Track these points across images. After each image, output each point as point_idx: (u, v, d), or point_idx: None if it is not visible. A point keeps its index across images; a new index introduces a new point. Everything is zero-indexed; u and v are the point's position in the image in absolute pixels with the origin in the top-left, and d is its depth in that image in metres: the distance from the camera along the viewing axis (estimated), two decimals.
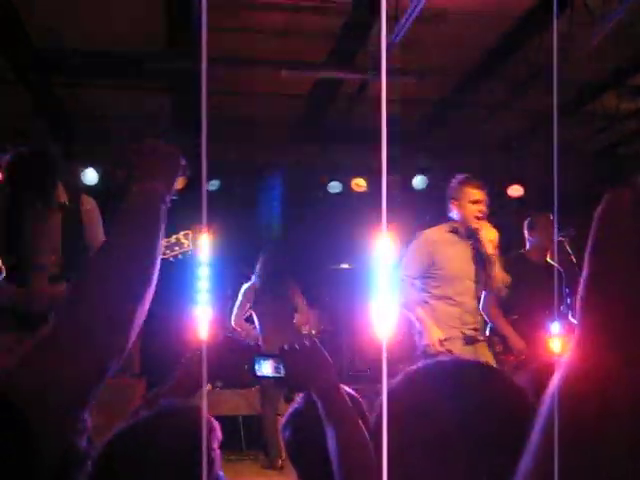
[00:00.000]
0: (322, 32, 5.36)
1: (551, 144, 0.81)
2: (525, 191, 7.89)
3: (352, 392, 2.06)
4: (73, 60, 5.64)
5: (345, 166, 7.69)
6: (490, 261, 4.35)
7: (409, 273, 4.52)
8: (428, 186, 7.78)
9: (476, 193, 4.37)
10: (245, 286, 6.66)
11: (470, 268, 4.49)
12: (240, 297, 6.60)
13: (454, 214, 4.47)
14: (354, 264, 7.72)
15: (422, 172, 7.80)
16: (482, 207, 4.36)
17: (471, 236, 4.44)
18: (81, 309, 1.13)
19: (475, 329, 4.56)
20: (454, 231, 4.48)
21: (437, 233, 4.56)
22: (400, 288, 4.52)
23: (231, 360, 1.93)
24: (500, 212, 7.12)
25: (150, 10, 4.86)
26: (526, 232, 5.21)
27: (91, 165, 7.04)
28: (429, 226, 4.67)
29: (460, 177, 4.49)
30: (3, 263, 3.76)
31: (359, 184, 7.68)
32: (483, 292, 4.75)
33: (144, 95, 6.50)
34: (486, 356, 4.48)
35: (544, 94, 6.29)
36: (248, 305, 6.53)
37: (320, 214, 7.74)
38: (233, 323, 6.56)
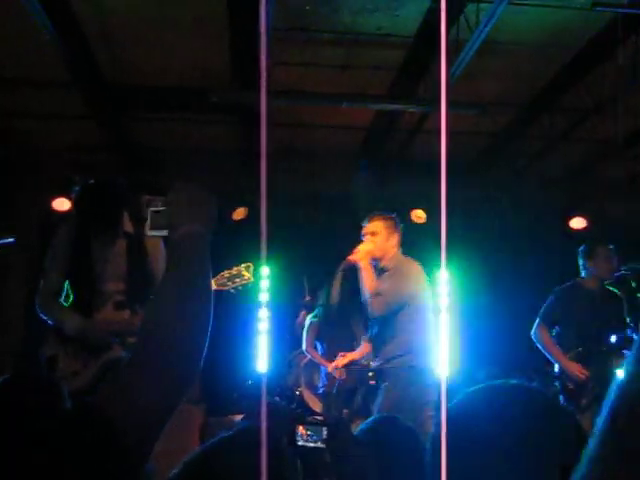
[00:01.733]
0: (383, 65, 5.42)
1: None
2: (588, 223, 7.73)
3: (409, 425, 2.05)
4: (141, 95, 5.84)
5: (405, 197, 7.69)
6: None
7: None
8: (488, 218, 7.71)
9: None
10: (310, 316, 6.83)
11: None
12: (306, 327, 6.78)
13: None
14: None
15: (482, 204, 7.74)
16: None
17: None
18: (150, 345, 1.22)
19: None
20: None
21: None
22: None
23: (269, 430, 1.83)
24: (562, 245, 7.01)
25: (216, 45, 5.00)
26: (582, 260, 5.08)
27: (156, 195, 7.22)
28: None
29: None
30: (71, 290, 3.89)
31: (419, 215, 7.66)
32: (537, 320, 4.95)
33: (209, 128, 6.67)
34: None
35: (606, 125, 6.21)
36: (314, 336, 6.72)
37: None
38: (305, 349, 6.74)
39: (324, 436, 1.78)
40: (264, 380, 7.13)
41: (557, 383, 4.89)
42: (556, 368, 4.95)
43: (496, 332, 7.01)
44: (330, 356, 6.63)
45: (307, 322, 6.86)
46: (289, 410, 6.07)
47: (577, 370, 4.73)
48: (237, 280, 3.76)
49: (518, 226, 7.66)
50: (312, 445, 1.76)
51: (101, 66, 5.36)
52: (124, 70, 5.53)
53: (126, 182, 3.85)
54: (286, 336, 7.80)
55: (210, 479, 1.42)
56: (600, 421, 0.68)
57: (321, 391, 6.72)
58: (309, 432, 1.77)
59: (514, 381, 1.18)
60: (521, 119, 6.39)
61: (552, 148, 6.97)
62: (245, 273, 3.78)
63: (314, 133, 6.88)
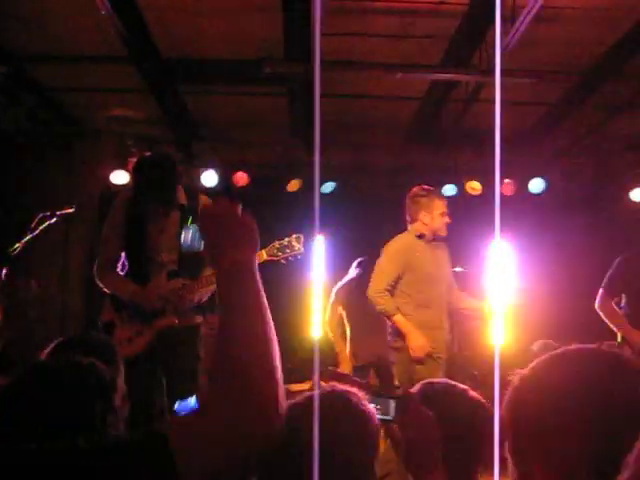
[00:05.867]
0: (437, 34, 5.33)
1: None
2: None
3: (478, 397, 2.04)
4: (194, 67, 5.88)
5: (460, 169, 7.61)
6: None
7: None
8: (546, 189, 7.57)
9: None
10: (337, 285, 6.55)
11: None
12: (332, 297, 6.52)
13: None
14: (467, 267, 7.61)
15: (539, 175, 7.59)
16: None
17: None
18: (219, 399, 1.16)
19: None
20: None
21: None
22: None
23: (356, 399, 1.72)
24: (619, 217, 6.85)
25: (269, 16, 4.99)
26: None
27: (211, 167, 7.29)
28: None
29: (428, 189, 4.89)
30: (127, 260, 3.99)
31: (474, 187, 7.57)
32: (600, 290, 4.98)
33: (262, 100, 6.68)
34: None
35: None
36: (340, 307, 6.45)
37: None
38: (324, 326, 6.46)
39: (392, 410, 1.74)
40: (317, 349, 7.21)
41: None
42: (619, 338, 4.89)
43: (553, 305, 6.91)
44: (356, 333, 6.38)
45: (334, 290, 6.55)
46: (351, 380, 5.96)
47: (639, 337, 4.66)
48: (287, 251, 3.80)
49: (578, 197, 7.52)
50: (379, 418, 1.72)
51: (156, 39, 5.41)
52: (178, 43, 5.57)
53: (180, 155, 3.91)
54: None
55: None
56: None
57: None
58: (377, 405, 1.73)
59: (591, 345, 1.18)
60: (582, 87, 6.21)
61: (615, 117, 6.78)
62: (295, 244, 3.82)
63: (367, 104, 6.83)
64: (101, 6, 4.49)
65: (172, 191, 3.90)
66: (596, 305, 5.01)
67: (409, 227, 4.92)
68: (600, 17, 4.98)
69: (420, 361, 4.61)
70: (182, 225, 3.91)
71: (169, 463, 1.02)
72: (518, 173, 7.41)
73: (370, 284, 4.81)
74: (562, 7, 4.83)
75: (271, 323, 1.24)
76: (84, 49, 5.58)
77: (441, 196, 4.96)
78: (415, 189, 4.92)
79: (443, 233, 4.82)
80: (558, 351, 1.19)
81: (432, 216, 4.78)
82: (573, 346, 1.19)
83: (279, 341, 1.29)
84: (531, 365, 1.19)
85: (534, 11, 4.35)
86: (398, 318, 4.69)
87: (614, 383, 1.08)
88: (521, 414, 1.13)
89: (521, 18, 4.48)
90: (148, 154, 3.91)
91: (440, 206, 4.81)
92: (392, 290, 4.77)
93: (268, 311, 1.26)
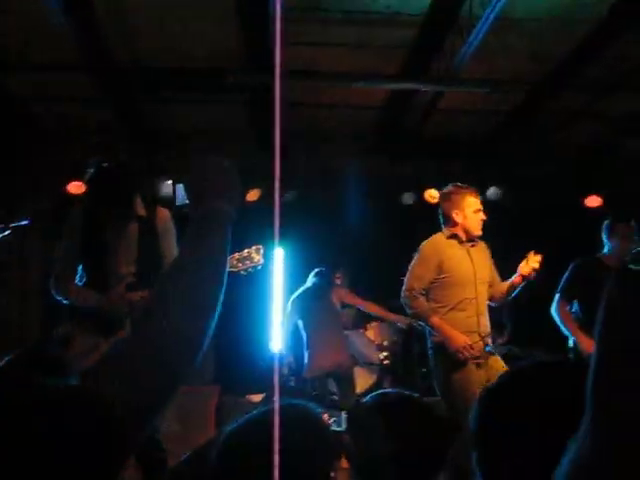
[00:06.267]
0: (395, 44, 5.37)
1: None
2: (603, 201, 7.68)
3: (432, 404, 2.03)
4: (154, 76, 5.82)
5: (419, 177, 7.66)
6: None
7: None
8: (502, 197, 7.66)
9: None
10: (293, 295, 6.51)
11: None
12: (288, 308, 6.46)
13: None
14: None
15: (496, 183, 7.68)
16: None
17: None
18: (153, 326, 1.15)
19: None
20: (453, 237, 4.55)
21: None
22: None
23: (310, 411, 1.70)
24: (578, 224, 6.96)
25: (230, 26, 4.98)
26: (604, 236, 5.12)
27: (170, 177, 7.22)
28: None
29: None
30: (84, 272, 3.93)
31: (432, 195, 7.62)
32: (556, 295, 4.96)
33: (223, 109, 6.65)
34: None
35: (624, 102, 6.14)
36: (297, 317, 6.43)
37: (394, 225, 7.71)
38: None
39: (344, 421, 1.74)
40: (277, 360, 7.18)
41: (571, 356, 4.92)
42: (570, 342, 4.98)
43: (514, 311, 6.99)
44: (314, 344, 6.30)
45: (290, 300, 6.53)
46: (306, 392, 5.94)
47: (589, 346, 4.72)
48: (247, 262, 3.76)
49: (534, 205, 7.62)
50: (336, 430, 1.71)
51: (114, 49, 5.34)
52: (136, 52, 5.51)
53: (139, 165, 3.87)
54: None
55: (250, 452, 1.42)
56: None
57: None
58: (329, 417, 1.72)
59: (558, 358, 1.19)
60: (537, 96, 6.33)
61: (569, 125, 6.91)
62: (255, 255, 3.78)
63: (327, 114, 6.85)
64: (58, 14, 4.43)
65: (129, 202, 3.85)
66: (552, 310, 5.09)
67: (443, 228, 4.61)
68: (554, 27, 5.08)
69: (467, 362, 4.25)
70: (141, 237, 3.86)
71: (99, 409, 1.00)
72: (475, 181, 7.49)
73: (403, 287, 4.50)
74: (517, 18, 4.91)
75: (222, 283, 1.23)
76: (42, 58, 5.49)
77: (474, 193, 4.59)
78: (447, 187, 4.64)
79: (478, 232, 4.51)
80: (525, 363, 1.22)
81: (465, 214, 4.49)
82: (540, 358, 1.21)
83: (239, 353, 1.28)
84: (498, 376, 1.21)
85: (490, 21, 4.41)
86: (435, 320, 4.35)
87: (578, 393, 1.09)
88: (489, 425, 1.13)
89: (477, 28, 4.54)
90: (105, 164, 3.84)
91: (473, 203, 4.51)
92: (426, 294, 4.47)
93: (225, 269, 1.24)
